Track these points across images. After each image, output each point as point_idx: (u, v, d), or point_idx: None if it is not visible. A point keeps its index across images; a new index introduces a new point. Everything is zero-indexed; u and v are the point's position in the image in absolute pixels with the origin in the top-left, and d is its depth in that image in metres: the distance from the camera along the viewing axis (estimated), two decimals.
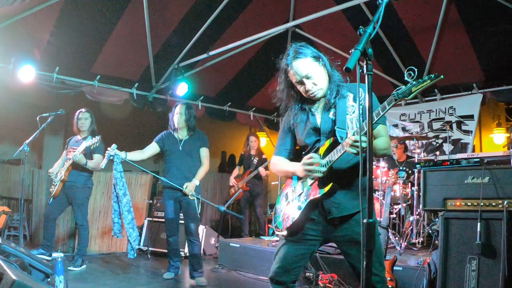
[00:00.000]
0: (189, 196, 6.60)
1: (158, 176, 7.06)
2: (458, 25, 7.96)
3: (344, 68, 2.22)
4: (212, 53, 8.96)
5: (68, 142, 7.69)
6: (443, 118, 9.35)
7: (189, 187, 6.56)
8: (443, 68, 8.78)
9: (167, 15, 8.40)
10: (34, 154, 12.78)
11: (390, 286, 5.17)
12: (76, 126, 7.55)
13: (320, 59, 3.25)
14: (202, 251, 7.08)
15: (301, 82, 3.25)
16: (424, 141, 9.11)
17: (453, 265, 4.58)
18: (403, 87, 2.65)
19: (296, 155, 3.61)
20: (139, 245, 7.53)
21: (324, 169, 3.13)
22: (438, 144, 9.37)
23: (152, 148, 6.83)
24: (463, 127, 9.09)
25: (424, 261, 5.37)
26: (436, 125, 9.48)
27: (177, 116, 6.78)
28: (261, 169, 9.56)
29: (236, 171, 10.23)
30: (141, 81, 9.62)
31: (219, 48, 8.87)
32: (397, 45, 8.91)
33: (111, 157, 6.09)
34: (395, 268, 5.44)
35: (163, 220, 8.81)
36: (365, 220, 2.20)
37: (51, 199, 7.36)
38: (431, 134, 9.44)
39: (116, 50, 8.70)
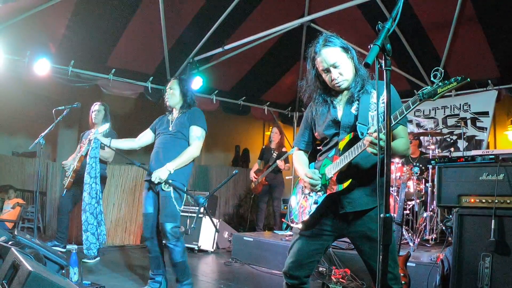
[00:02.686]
0: (162, 187, 5.24)
1: (131, 160, 5.72)
2: (473, 21, 7.91)
3: (363, 63, 2.23)
4: (227, 47, 8.99)
5: (82, 136, 7.73)
6: (458, 115, 9.30)
7: (158, 173, 5.16)
8: (458, 64, 8.75)
9: (182, 9, 8.42)
10: (48, 147, 12.87)
11: (403, 282, 5.16)
12: (91, 119, 7.60)
13: (349, 51, 3.24)
14: (185, 258, 5.38)
15: (328, 70, 3.24)
16: (438, 138, 9.08)
17: (466, 262, 4.56)
18: (429, 87, 2.63)
19: (315, 146, 3.65)
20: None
21: (320, 186, 3.27)
22: (452, 141, 9.32)
23: (146, 136, 5.81)
24: (478, 124, 9.03)
25: (437, 257, 5.36)
26: (451, 122, 9.43)
27: (169, 92, 5.64)
28: (279, 162, 9.50)
29: (256, 166, 10.20)
30: (156, 75, 9.64)
31: (234, 42, 8.90)
32: (412, 41, 8.87)
33: (90, 142, 5.64)
34: (408, 264, 5.43)
35: None
36: (381, 215, 2.20)
37: (65, 191, 7.40)
38: (445, 131, 9.39)
39: (131, 44, 8.74)
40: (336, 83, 3.24)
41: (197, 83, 9.38)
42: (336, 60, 3.18)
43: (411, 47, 8.94)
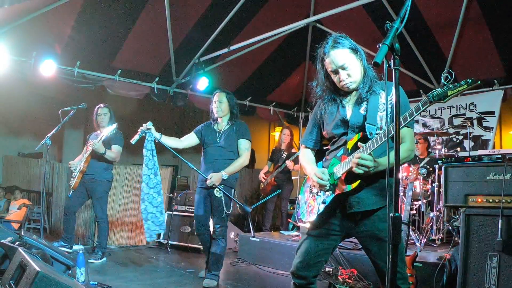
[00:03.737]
0: (215, 192, 5.99)
1: (189, 164, 6.13)
2: (479, 21, 7.88)
3: (372, 62, 2.23)
4: (233, 47, 8.99)
5: (89, 138, 7.73)
6: (464, 114, 9.27)
7: (213, 178, 5.89)
8: (464, 63, 8.72)
9: (188, 10, 8.43)
10: (54, 148, 12.89)
11: (410, 282, 5.15)
12: (95, 121, 7.59)
13: (358, 52, 3.24)
14: (223, 253, 6.21)
15: (336, 72, 3.24)
16: (444, 138, 9.06)
17: (473, 262, 4.55)
18: (439, 89, 2.62)
19: (322, 145, 3.67)
20: (160, 236, 6.97)
21: (328, 186, 3.27)
22: (458, 141, 9.29)
23: (190, 139, 6.32)
24: (484, 124, 9.00)
25: (444, 257, 5.35)
26: (457, 121, 9.40)
27: (216, 105, 6.19)
28: (288, 163, 9.49)
29: (266, 167, 10.17)
30: (162, 76, 9.65)
31: (240, 42, 8.89)
32: (418, 40, 8.85)
33: (144, 134, 5.73)
34: (415, 264, 5.42)
35: (183, 213, 8.89)
36: (391, 214, 2.20)
37: (71, 191, 7.41)
38: (451, 130, 9.36)
39: (137, 45, 8.75)
40: (344, 84, 3.24)
41: (203, 83, 9.39)
42: (344, 61, 3.18)
43: (417, 47, 8.92)
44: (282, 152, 9.87)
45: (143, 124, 5.71)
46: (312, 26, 9.64)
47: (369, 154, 2.96)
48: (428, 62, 9.12)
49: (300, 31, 9.38)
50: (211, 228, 6.31)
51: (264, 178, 9.92)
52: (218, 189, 5.97)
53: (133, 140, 5.60)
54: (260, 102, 11.51)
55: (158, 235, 9.03)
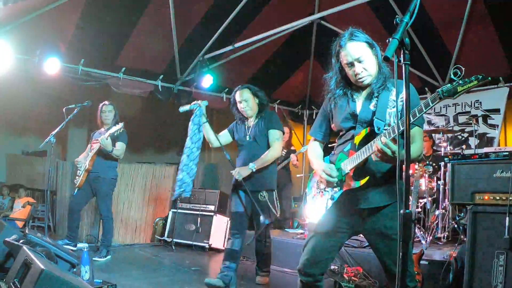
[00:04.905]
0: (259, 197, 5.74)
1: (227, 156, 5.96)
2: (485, 18, 7.86)
3: (382, 57, 2.20)
4: (237, 45, 8.97)
5: (93, 135, 7.72)
6: (469, 112, 9.25)
7: (239, 170, 5.67)
8: (469, 61, 8.66)
9: (192, 7, 8.41)
10: (58, 146, 12.85)
11: (417, 280, 5.13)
12: (100, 119, 7.59)
13: (374, 48, 3.23)
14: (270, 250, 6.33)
15: (352, 64, 3.21)
16: (449, 135, 9.02)
17: (480, 260, 4.52)
18: (449, 85, 2.60)
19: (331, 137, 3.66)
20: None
21: (336, 182, 3.26)
22: (463, 138, 9.27)
23: (225, 136, 6.11)
24: (489, 121, 8.98)
25: (450, 255, 5.33)
26: (462, 119, 9.37)
27: (243, 105, 5.89)
28: (293, 156, 9.47)
29: None
30: (166, 73, 9.63)
31: (244, 40, 8.88)
32: (423, 38, 8.81)
33: (195, 108, 5.75)
34: (421, 262, 5.40)
35: (187, 211, 8.88)
36: (401, 211, 2.17)
37: (76, 190, 7.40)
38: (456, 128, 9.34)
39: (141, 42, 8.73)
40: (359, 78, 3.21)
41: (207, 81, 9.39)
42: (361, 54, 3.16)
43: (422, 44, 8.89)
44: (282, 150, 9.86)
45: (200, 101, 5.78)
46: (317, 24, 9.61)
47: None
48: (433, 60, 9.09)
49: (305, 28, 9.38)
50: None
51: None
52: (261, 195, 5.75)
53: (182, 109, 5.72)
54: None
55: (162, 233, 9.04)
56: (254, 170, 5.63)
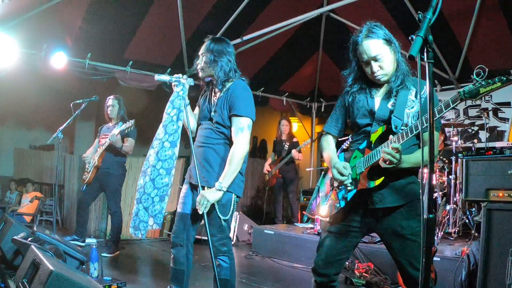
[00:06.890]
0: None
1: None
2: (496, 9, 7.77)
3: (407, 56, 2.13)
4: (245, 38, 8.91)
5: (100, 130, 7.71)
6: (479, 105, 9.16)
7: (205, 196, 3.81)
8: (480, 53, 8.60)
9: (200, 0, 8.34)
10: (65, 140, 12.86)
11: (431, 279, 5.08)
12: (106, 113, 7.61)
13: (392, 44, 3.14)
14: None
15: (368, 63, 3.14)
16: (459, 129, 8.94)
17: (494, 257, 4.46)
18: (471, 85, 2.53)
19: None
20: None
21: (350, 182, 3.18)
22: (474, 132, 9.19)
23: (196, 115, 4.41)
24: (500, 115, 8.90)
25: (462, 252, 5.27)
26: (472, 112, 9.29)
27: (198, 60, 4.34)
28: (294, 152, 9.44)
29: (270, 159, 10.13)
30: (174, 67, 9.54)
31: (253, 33, 8.82)
32: (433, 30, 8.66)
33: (175, 82, 4.10)
34: (433, 259, 5.35)
35: None
36: (425, 216, 2.09)
37: (85, 186, 7.39)
38: (466, 121, 9.27)
39: (149, 36, 8.69)
40: (375, 76, 3.14)
41: None
42: (377, 52, 3.08)
43: (432, 36, 8.78)
44: (283, 143, 9.83)
45: (183, 76, 4.20)
46: (326, 16, 9.57)
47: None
48: (444, 52, 9.01)
49: (313, 20, 9.31)
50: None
51: (267, 170, 9.88)
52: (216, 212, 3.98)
53: (158, 77, 4.04)
54: (273, 93, 11.46)
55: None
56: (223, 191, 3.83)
